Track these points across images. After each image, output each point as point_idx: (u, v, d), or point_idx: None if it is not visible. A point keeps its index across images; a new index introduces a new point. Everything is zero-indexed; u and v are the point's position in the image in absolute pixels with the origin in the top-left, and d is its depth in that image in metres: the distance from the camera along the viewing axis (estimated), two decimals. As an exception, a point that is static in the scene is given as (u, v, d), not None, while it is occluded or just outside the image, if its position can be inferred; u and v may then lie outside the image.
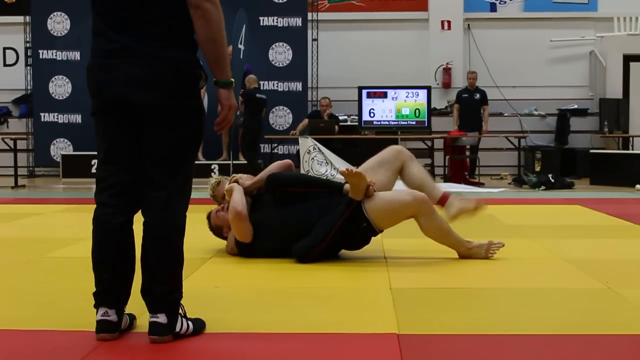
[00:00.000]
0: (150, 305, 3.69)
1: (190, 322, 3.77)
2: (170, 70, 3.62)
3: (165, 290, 3.67)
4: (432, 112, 15.87)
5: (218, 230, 6.14)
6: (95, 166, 4.18)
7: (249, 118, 14.63)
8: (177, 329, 3.68)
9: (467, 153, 15.34)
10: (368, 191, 5.53)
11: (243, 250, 5.83)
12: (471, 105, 15.81)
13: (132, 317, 3.93)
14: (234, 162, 14.95)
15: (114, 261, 3.76)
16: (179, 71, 3.64)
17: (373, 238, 5.78)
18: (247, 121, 14.61)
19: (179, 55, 3.65)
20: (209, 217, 6.23)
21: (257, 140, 14.80)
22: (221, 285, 4.96)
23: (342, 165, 13.52)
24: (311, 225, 5.64)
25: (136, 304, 3.84)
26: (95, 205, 3.79)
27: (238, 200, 5.70)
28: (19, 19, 17.32)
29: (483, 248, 5.73)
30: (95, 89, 3.69)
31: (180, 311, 3.74)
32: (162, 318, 3.64)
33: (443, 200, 6.00)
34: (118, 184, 3.74)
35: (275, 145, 15.49)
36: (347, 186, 5.68)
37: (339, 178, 13.65)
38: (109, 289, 3.75)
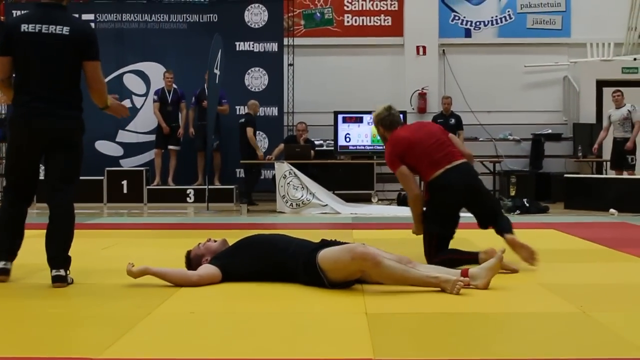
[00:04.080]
0: (54, 265, 5.77)
1: (71, 277, 5.88)
2: (74, 125, 5.93)
3: (64, 255, 5.83)
4: (407, 136, 15.93)
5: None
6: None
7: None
8: (69, 281, 5.81)
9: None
10: None
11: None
12: (446, 129, 15.83)
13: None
14: (209, 187, 14.93)
15: (12, 232, 6.02)
16: (79, 124, 5.97)
17: None
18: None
19: (78, 115, 5.96)
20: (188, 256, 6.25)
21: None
22: (196, 311, 4.93)
23: (318, 190, 13.57)
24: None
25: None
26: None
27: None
28: None
29: (449, 283, 5.45)
30: (25, 130, 5.86)
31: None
32: (62, 272, 5.78)
33: (464, 275, 5.73)
34: (21, 188, 6.02)
35: (252, 170, 15.48)
36: None
37: (315, 203, 13.74)
38: (7, 249, 5.98)
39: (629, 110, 14.59)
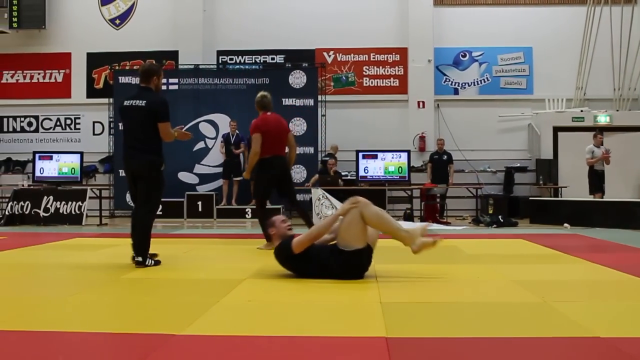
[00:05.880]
0: (135, 252, 6.64)
1: (153, 261, 6.69)
2: (152, 164, 6.68)
3: (140, 246, 6.63)
4: (411, 169, 15.89)
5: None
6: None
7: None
8: (147, 263, 6.58)
9: (438, 200, 15.32)
10: None
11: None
12: (440, 164, 15.83)
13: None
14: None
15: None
16: (154, 164, 6.69)
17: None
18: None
19: (155, 159, 6.71)
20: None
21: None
22: (253, 300, 4.93)
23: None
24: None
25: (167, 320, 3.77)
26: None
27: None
28: (105, 100, 17.53)
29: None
30: (125, 167, 6.93)
31: (149, 256, 6.65)
32: (139, 258, 6.59)
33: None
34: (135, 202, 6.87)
35: (294, 194, 15.50)
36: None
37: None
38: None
39: (606, 150, 14.30)
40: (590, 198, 14.05)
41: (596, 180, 14.27)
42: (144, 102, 6.72)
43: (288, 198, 8.89)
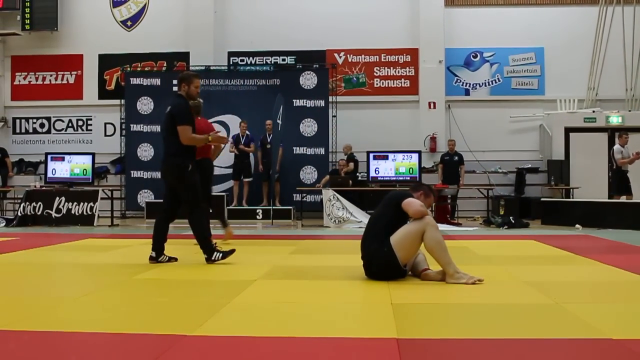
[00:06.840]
0: (202, 249, 7.03)
1: (221, 254, 6.98)
2: (175, 166, 6.98)
3: (202, 244, 7.01)
4: (422, 170, 15.85)
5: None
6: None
7: (352, 174, 14.95)
8: (214, 258, 6.97)
9: (449, 201, 15.29)
10: None
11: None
12: (451, 165, 15.79)
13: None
14: (273, 207, 14.96)
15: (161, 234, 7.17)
16: (178, 166, 6.96)
17: None
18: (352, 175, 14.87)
19: (178, 161, 6.97)
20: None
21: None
22: (264, 301, 4.93)
23: (355, 210, 13.56)
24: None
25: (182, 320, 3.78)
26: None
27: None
28: (116, 101, 17.59)
29: (466, 277, 5.58)
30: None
31: (216, 250, 6.99)
32: (206, 255, 6.99)
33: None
34: (167, 208, 7.19)
35: (305, 195, 15.50)
36: None
37: (352, 220, 13.62)
38: (155, 244, 7.07)
39: (636, 152, 13.76)
40: (602, 199, 13.98)
41: (624, 181, 13.99)
42: (169, 107, 7.12)
43: (206, 199, 9.39)
